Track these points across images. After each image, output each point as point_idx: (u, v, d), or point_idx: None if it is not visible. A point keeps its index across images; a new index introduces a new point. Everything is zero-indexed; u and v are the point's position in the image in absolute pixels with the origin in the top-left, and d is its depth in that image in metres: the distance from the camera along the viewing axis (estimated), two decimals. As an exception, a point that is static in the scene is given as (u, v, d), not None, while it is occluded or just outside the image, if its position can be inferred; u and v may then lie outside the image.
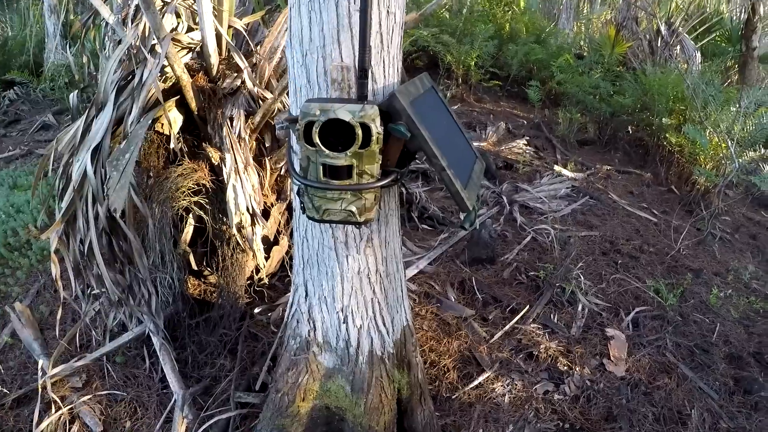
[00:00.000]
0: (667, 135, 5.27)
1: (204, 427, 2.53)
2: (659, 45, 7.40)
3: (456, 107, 6.45)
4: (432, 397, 2.57)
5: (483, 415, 2.58)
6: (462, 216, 1.58)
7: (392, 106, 1.33)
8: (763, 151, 4.50)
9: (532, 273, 3.57)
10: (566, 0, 10.93)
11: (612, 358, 2.92)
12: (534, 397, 2.66)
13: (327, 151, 1.30)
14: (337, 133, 1.30)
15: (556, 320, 3.19)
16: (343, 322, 2.04)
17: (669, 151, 5.39)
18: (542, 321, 3.17)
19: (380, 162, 1.34)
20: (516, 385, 2.73)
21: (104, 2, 2.79)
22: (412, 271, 3.52)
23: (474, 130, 5.88)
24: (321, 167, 1.33)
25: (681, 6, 8.49)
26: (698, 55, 7.44)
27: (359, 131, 1.25)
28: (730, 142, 4.49)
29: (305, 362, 2.14)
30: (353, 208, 1.38)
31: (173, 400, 2.68)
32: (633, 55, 7.40)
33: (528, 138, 5.83)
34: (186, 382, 2.77)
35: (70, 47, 8.12)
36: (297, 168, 1.43)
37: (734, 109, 4.72)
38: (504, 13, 7.96)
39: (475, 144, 5.63)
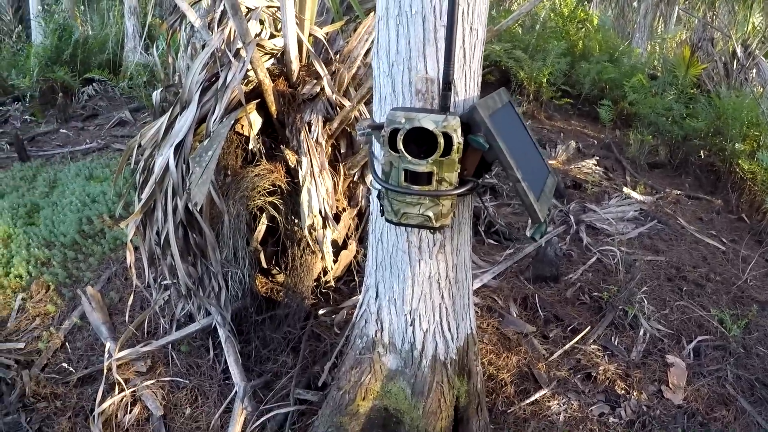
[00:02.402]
0: (739, 161, 5.13)
1: (262, 420, 2.63)
2: (735, 68, 7.19)
3: (526, 124, 6.43)
4: (488, 409, 2.58)
5: (537, 432, 2.59)
6: (530, 228, 1.61)
7: (472, 118, 1.39)
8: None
9: (595, 294, 3.54)
10: (640, 19, 10.73)
11: (670, 386, 2.88)
12: (589, 418, 2.65)
13: (410, 158, 1.36)
14: (419, 141, 1.35)
15: (616, 343, 3.16)
16: (410, 325, 2.09)
17: (741, 178, 5.24)
18: (602, 343, 3.15)
19: (458, 171, 1.39)
20: (572, 404, 2.73)
21: (191, 7, 2.93)
22: (476, 284, 3.54)
23: (544, 147, 5.85)
24: (403, 172, 1.39)
25: (758, 28, 8.23)
26: (775, 78, 7.19)
27: (441, 140, 1.30)
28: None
29: (369, 362, 2.20)
30: (430, 213, 1.43)
31: (234, 391, 2.79)
32: (707, 77, 7.21)
33: (598, 158, 5.77)
34: (248, 375, 2.88)
35: (148, 48, 8.43)
36: (379, 172, 1.48)
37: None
38: (577, 30, 7.89)
39: (543, 161, 5.62)
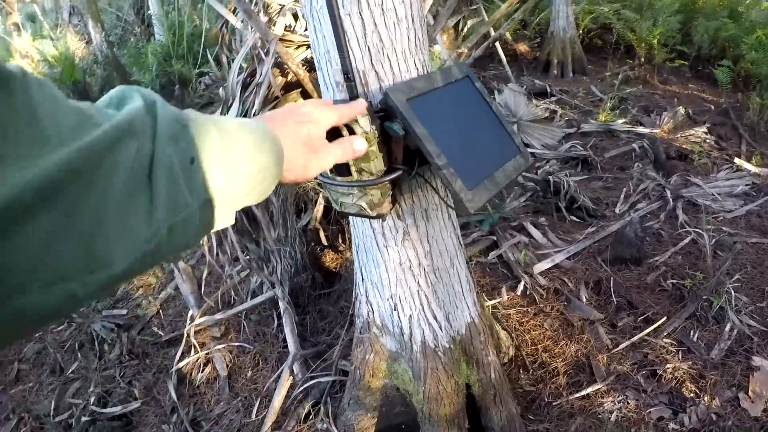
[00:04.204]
0: None
1: (306, 385, 2.77)
2: None
3: (636, 89, 5.99)
4: (531, 400, 2.47)
5: (581, 429, 2.38)
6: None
7: (386, 104, 1.31)
8: None
9: (680, 281, 3.22)
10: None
11: (750, 393, 2.52)
12: (645, 422, 2.39)
13: None
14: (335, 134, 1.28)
15: (695, 338, 2.83)
16: (394, 309, 2.08)
17: None
18: (678, 336, 2.83)
19: (379, 159, 1.31)
20: (628, 403, 2.48)
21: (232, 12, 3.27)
22: (546, 265, 3.34)
23: (648, 115, 5.42)
24: None
25: None
26: None
27: (345, 132, 1.22)
28: None
29: (369, 341, 2.24)
30: (363, 203, 1.41)
31: (289, 357, 2.97)
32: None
33: (711, 125, 5.24)
34: (303, 344, 3.06)
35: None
36: None
37: None
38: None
39: (646, 130, 5.22)
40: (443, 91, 1.45)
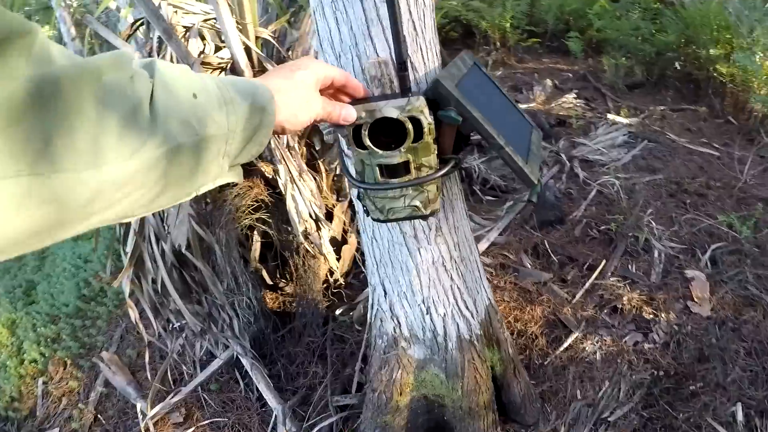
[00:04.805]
0: (717, 66, 5.10)
1: None
2: (694, -26, 7.13)
3: (499, 72, 6.39)
4: (525, 367, 2.60)
5: (578, 376, 2.61)
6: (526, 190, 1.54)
7: (438, 93, 1.29)
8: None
9: (603, 227, 3.56)
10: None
11: (696, 299, 2.91)
12: (625, 350, 2.68)
13: (380, 152, 1.25)
14: (388, 131, 1.26)
15: (634, 270, 3.18)
16: (427, 314, 2.04)
17: (721, 82, 5.18)
18: (621, 273, 3.17)
19: (436, 152, 1.30)
20: (605, 340, 2.75)
21: (126, 41, 2.88)
22: (483, 245, 3.54)
23: (521, 92, 5.82)
24: (377, 168, 1.28)
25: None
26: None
27: (409, 126, 1.20)
28: (783, 62, 4.36)
29: (396, 359, 2.17)
30: (417, 203, 1.34)
31: (274, 416, 2.75)
32: (669, -11, 7.16)
33: (576, 91, 5.73)
34: (283, 396, 2.84)
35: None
36: (353, 172, 1.38)
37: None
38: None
39: (524, 106, 5.60)
40: (469, 76, 1.49)
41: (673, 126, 4.96)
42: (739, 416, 2.35)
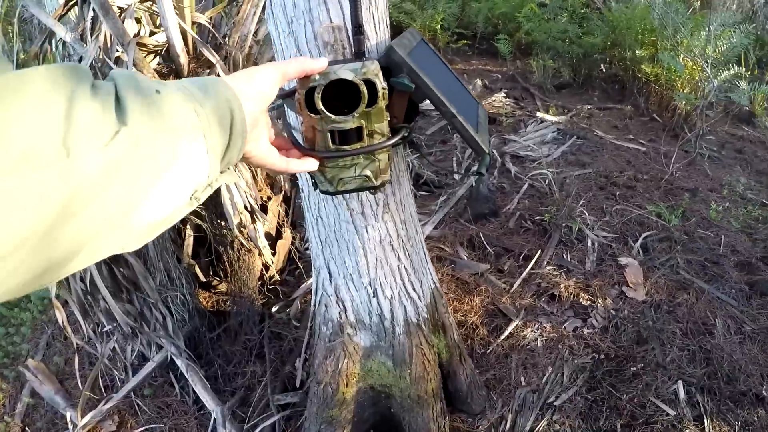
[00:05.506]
0: (642, 66, 5.28)
1: None
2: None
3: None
4: (469, 356, 2.56)
5: (521, 363, 2.61)
6: (476, 164, 1.52)
7: (391, 59, 1.27)
8: (736, 69, 4.53)
9: (537, 218, 3.60)
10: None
11: (630, 285, 2.96)
12: (565, 336, 2.70)
13: (333, 116, 1.19)
14: (337, 98, 1.21)
15: (569, 259, 3.23)
16: (373, 296, 1.97)
17: (645, 82, 5.40)
18: (556, 262, 3.21)
19: (388, 119, 1.25)
20: (545, 327, 2.77)
21: (58, 21, 2.65)
22: (419, 239, 3.51)
23: (451, 92, 5.85)
24: (329, 135, 1.22)
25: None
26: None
27: (364, 88, 1.16)
28: (705, 64, 4.53)
29: (342, 346, 2.08)
30: (368, 172, 1.30)
31: (212, 418, 2.62)
32: (594, -6, 7.39)
33: (506, 91, 5.83)
34: (221, 397, 2.70)
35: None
36: (301, 142, 1.31)
37: (704, 32, 4.73)
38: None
39: (455, 105, 5.63)
40: (419, 49, 1.47)
41: (600, 124, 5.10)
42: (681, 393, 2.39)
